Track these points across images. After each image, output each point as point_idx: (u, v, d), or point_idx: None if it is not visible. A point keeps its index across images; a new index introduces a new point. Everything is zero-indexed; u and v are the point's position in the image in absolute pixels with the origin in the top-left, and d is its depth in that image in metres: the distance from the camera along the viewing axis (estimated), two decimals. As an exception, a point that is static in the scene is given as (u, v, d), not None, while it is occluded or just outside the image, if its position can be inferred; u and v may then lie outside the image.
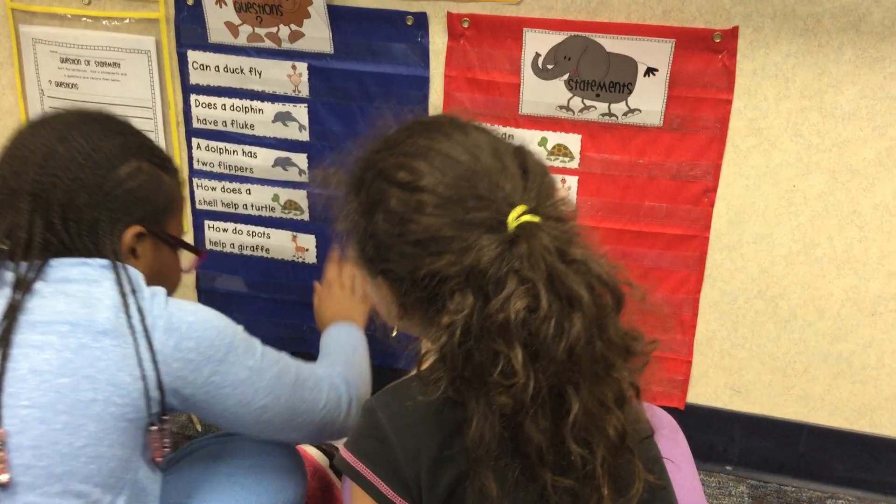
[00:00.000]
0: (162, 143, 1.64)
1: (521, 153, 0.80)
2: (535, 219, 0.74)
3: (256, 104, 1.55)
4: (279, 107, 1.55)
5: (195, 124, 1.61)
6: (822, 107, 1.33)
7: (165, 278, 1.07)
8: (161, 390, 0.93)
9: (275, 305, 1.74)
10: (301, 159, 1.58)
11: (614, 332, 0.75)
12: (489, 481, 0.75)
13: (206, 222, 1.69)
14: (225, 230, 1.69)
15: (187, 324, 0.94)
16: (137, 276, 0.96)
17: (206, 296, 1.76)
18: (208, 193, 1.66)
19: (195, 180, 1.66)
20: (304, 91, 1.53)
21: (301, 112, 1.54)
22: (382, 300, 0.85)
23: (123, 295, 0.93)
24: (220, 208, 1.67)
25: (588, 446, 0.74)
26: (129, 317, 0.92)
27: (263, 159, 1.60)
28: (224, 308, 1.76)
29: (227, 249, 1.70)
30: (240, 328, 1.02)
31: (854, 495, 1.56)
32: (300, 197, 1.62)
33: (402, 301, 0.81)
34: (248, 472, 1.15)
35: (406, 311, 0.82)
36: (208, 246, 1.71)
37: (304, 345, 1.75)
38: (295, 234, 1.66)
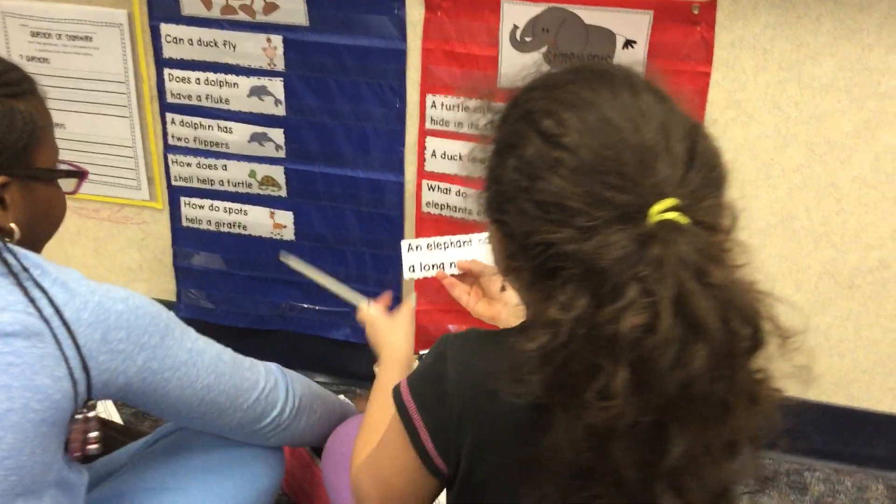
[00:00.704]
0: (136, 119, 1.61)
1: (694, 134, 0.68)
2: (683, 219, 0.62)
3: (231, 78, 1.53)
4: (254, 81, 1.52)
5: (169, 99, 1.58)
6: (801, 79, 1.33)
7: (47, 216, 0.98)
8: (88, 387, 0.85)
9: (253, 283, 1.72)
10: (277, 134, 1.56)
11: (743, 375, 0.64)
12: (552, 493, 0.69)
13: (182, 199, 1.67)
14: (201, 207, 1.67)
15: (116, 313, 0.87)
16: (35, 259, 0.85)
17: (183, 273, 1.74)
18: (184, 169, 1.64)
19: (170, 156, 1.63)
20: (280, 65, 1.50)
21: (277, 86, 1.52)
22: (495, 249, 0.78)
23: (22, 285, 0.82)
24: (196, 184, 1.65)
25: (681, 494, 0.66)
26: (39, 311, 0.81)
27: (239, 134, 1.57)
28: (202, 286, 1.76)
29: (204, 226, 1.68)
30: (173, 314, 0.96)
31: (831, 467, 1.57)
32: (277, 173, 1.60)
33: (510, 259, 0.73)
34: (224, 456, 1.12)
35: (513, 271, 0.74)
36: (184, 223, 1.69)
37: (284, 322, 1.74)
38: (273, 210, 1.64)
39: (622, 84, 0.69)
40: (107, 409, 1.72)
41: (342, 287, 1.37)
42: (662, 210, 0.62)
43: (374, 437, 0.96)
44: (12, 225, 0.90)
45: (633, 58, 1.34)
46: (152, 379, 0.91)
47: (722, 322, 0.61)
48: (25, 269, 0.83)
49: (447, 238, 1.29)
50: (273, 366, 1.13)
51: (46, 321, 0.81)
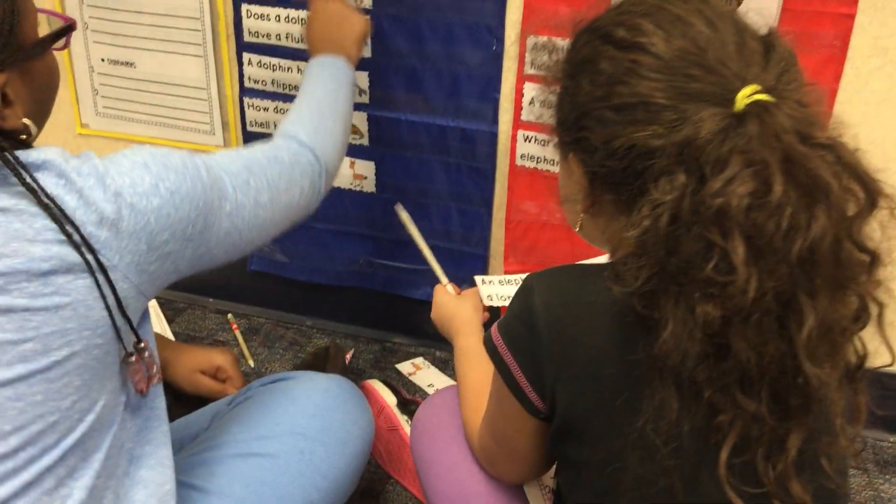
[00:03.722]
0: (210, 59, 1.51)
1: (768, 36, 0.70)
2: (771, 98, 0.64)
3: (314, 16, 1.42)
4: (339, 19, 1.41)
5: (247, 38, 1.48)
6: (961, 23, 1.18)
7: (49, 88, 0.85)
8: (124, 313, 0.76)
9: (330, 236, 1.63)
10: (361, 78, 1.45)
11: (864, 236, 0.64)
12: (671, 398, 0.66)
13: (258, 146, 1.57)
14: (278, 154, 1.57)
15: (155, 211, 0.77)
16: (54, 162, 0.73)
17: (257, 225, 1.65)
18: (260, 115, 1.54)
19: (246, 100, 1.53)
20: (367, 2, 1.38)
21: (363, 25, 1.40)
22: (572, 184, 0.78)
23: (46, 206, 0.71)
24: (272, 130, 1.53)
25: (822, 368, 0.64)
26: (69, 237, 0.71)
27: (320, 77, 1.47)
28: (276, 238, 1.67)
29: (280, 175, 1.59)
30: (199, 164, 0.83)
31: (954, 453, 1.45)
32: (359, 120, 1.49)
33: (592, 180, 0.73)
34: (313, 420, 1.06)
35: (596, 197, 0.74)
36: (259, 171, 1.60)
37: (361, 279, 1.65)
38: (353, 159, 1.54)
39: None
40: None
41: (434, 260, 1.36)
42: (749, 94, 0.64)
43: (477, 401, 0.99)
44: (26, 121, 0.79)
45: (768, -3, 1.20)
46: (199, 263, 0.86)
47: (836, 179, 0.62)
48: (44, 192, 0.71)
49: (515, 276, 1.32)
50: (306, 159, 1.05)
51: (77, 245, 0.72)
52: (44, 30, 0.84)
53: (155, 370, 0.82)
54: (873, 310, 0.67)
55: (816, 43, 1.22)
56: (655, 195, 0.64)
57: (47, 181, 0.72)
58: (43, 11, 0.85)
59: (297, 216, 1.04)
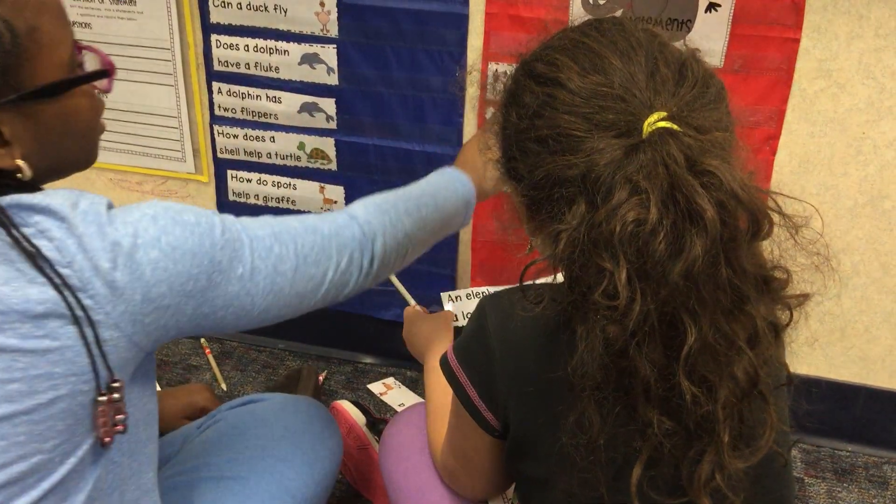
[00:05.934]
0: (181, 88, 1.54)
1: (684, 59, 0.71)
2: (673, 126, 0.65)
3: (282, 45, 1.45)
4: (306, 48, 1.44)
5: (216, 67, 1.51)
6: (900, 46, 1.23)
7: (68, 134, 0.80)
8: (106, 364, 0.74)
9: (300, 260, 1.65)
10: (329, 104, 1.48)
11: (749, 261, 0.65)
12: (591, 413, 0.68)
13: (229, 172, 1.60)
14: (248, 180, 1.60)
15: (151, 263, 0.74)
16: (53, 211, 0.71)
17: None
18: (230, 141, 1.57)
19: (216, 127, 1.56)
20: (333, 30, 1.42)
21: (329, 53, 1.44)
22: (520, 215, 0.80)
23: (30, 255, 0.70)
24: (242, 157, 1.58)
25: (706, 386, 0.66)
26: (62, 281, 0.70)
27: (289, 105, 1.50)
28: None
29: (252, 201, 1.62)
30: (216, 223, 0.80)
31: (911, 461, 1.50)
32: (328, 145, 1.52)
33: (527, 206, 0.75)
34: (282, 441, 1.07)
35: (534, 221, 0.76)
36: (231, 198, 1.62)
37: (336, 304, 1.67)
38: (322, 184, 1.57)
39: (612, 24, 0.74)
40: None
41: (400, 283, 1.40)
42: (654, 121, 0.66)
43: (442, 418, 1.00)
44: (19, 162, 0.75)
45: (716, 22, 1.24)
46: (205, 322, 0.81)
47: (717, 206, 0.63)
48: (35, 248, 0.70)
49: (483, 288, 1.35)
50: (352, 238, 0.93)
51: (66, 290, 0.70)
52: (93, 66, 0.81)
53: (120, 419, 0.77)
54: (765, 331, 0.67)
55: (764, 66, 1.27)
56: (563, 223, 0.67)
57: (49, 224, 0.71)
58: (84, 48, 0.80)
59: (331, 294, 0.93)
